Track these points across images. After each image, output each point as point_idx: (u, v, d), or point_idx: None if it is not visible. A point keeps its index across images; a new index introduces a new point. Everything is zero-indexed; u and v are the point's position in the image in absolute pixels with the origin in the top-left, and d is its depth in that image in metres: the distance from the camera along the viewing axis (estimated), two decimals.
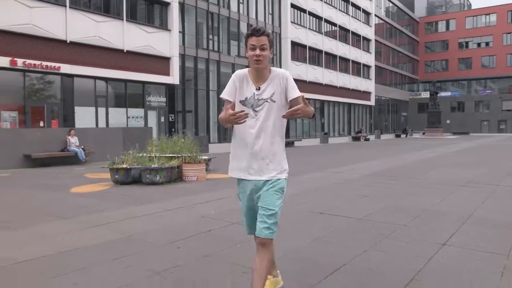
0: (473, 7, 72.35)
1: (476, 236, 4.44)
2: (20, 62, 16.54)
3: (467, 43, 63.89)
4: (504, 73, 59.52)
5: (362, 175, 10.10)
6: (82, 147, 13.79)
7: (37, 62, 17.19)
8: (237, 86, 2.57)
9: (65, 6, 18.15)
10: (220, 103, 27.82)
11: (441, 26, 66.84)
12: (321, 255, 3.78)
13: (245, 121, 2.39)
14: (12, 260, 3.65)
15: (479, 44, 62.74)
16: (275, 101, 2.55)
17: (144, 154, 9.03)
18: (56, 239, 4.38)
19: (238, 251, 3.88)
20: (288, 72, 2.66)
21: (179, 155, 8.77)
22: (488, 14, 62.31)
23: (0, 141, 12.33)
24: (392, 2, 56.59)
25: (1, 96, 16.55)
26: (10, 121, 17.03)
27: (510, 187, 8.03)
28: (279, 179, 2.54)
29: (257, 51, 2.47)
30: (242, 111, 2.36)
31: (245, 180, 2.58)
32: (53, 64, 17.71)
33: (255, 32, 2.51)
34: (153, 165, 8.01)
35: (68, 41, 18.32)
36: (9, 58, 16.28)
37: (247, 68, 2.63)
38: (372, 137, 41.02)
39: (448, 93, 62.36)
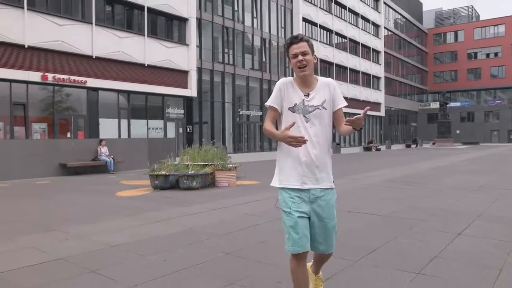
0: (481, 18, 72.85)
1: (487, 229, 5.15)
2: (50, 76, 17.52)
3: (475, 53, 64.43)
4: None
5: (379, 181, 10.81)
6: (112, 156, 14.64)
7: (66, 77, 18.17)
8: (284, 93, 2.54)
9: (91, 23, 19.19)
10: (235, 114, 28.72)
11: (450, 37, 67.50)
12: (358, 240, 4.51)
13: (301, 146, 2.39)
14: (107, 244, 4.45)
15: (488, 55, 63.24)
16: (326, 108, 2.57)
17: (176, 162, 9.84)
18: (130, 231, 5.18)
19: None
20: (335, 81, 2.71)
21: (210, 163, 9.56)
22: (497, 25, 62.88)
23: (38, 151, 13.24)
24: (401, 14, 57.48)
25: (32, 109, 17.53)
26: (40, 132, 17.98)
27: None
28: (332, 188, 2.58)
29: (300, 57, 2.48)
30: (302, 137, 2.35)
31: (299, 189, 2.49)
32: (80, 78, 18.68)
33: (294, 40, 2.53)
34: (190, 172, 8.81)
35: (94, 56, 19.31)
36: (41, 73, 17.27)
37: (290, 77, 2.62)
38: (383, 147, 41.57)
39: (458, 104, 62.76)
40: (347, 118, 2.47)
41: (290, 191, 2.49)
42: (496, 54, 62.55)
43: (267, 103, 2.57)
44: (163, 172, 8.92)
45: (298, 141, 2.32)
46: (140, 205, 7.10)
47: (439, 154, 26.38)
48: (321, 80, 2.61)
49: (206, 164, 9.46)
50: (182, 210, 6.58)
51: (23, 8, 16.66)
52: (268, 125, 2.53)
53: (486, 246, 4.32)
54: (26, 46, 16.76)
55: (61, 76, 17.96)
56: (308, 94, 2.53)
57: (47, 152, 13.33)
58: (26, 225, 5.68)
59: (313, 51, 2.54)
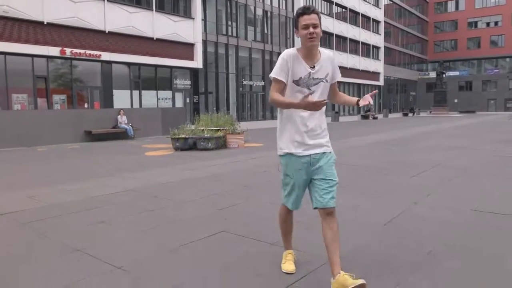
0: None
1: (439, 171, 6.81)
2: (68, 51, 18.91)
3: (476, 22, 64.80)
4: None
5: (367, 143, 12.46)
6: (131, 124, 16.25)
7: (82, 51, 19.55)
8: (290, 66, 2.57)
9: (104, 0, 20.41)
10: (238, 83, 30.12)
11: (451, 6, 67.66)
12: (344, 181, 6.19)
13: (320, 109, 2.51)
14: (159, 182, 6.17)
15: (488, 24, 63.66)
16: (328, 81, 2.67)
17: (192, 128, 11.47)
18: (171, 175, 6.86)
19: None
20: (333, 54, 2.80)
21: (222, 127, 11.18)
22: None
23: (67, 120, 14.85)
24: None
25: (53, 82, 19.04)
26: (60, 103, 19.54)
27: (480, 150, 10.32)
28: (331, 151, 2.73)
29: (311, 29, 2.51)
30: (324, 100, 2.49)
31: (301, 155, 2.62)
32: (95, 52, 20.06)
33: (306, 10, 2.54)
34: (206, 135, 10.45)
35: (107, 31, 20.61)
36: (59, 48, 18.66)
37: (295, 48, 2.64)
38: (380, 116, 43.05)
39: (456, 73, 63.73)
40: (368, 99, 2.71)
41: (292, 156, 2.63)
42: (496, 23, 62.96)
43: (273, 75, 2.60)
44: (183, 136, 10.56)
45: (320, 105, 2.44)
46: (169, 161, 8.78)
47: (432, 122, 27.98)
48: (324, 52, 2.68)
49: (218, 129, 11.08)
50: (203, 163, 8.26)
51: None
52: (277, 95, 2.58)
53: (427, 181, 5.98)
54: (45, 23, 18.08)
55: (78, 51, 19.33)
56: (314, 67, 2.60)
57: (74, 120, 14.92)
58: (90, 173, 7.37)
59: (320, 24, 2.60)
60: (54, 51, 18.48)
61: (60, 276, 2.81)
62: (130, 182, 6.31)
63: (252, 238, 3.58)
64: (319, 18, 2.57)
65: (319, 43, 2.61)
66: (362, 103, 2.72)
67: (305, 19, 2.53)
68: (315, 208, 2.61)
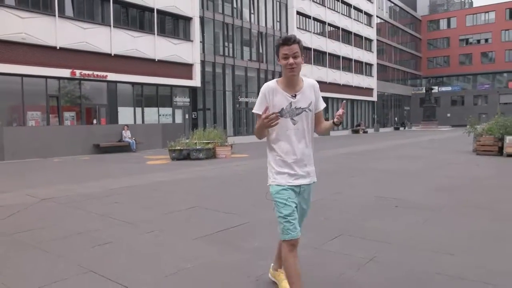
0: (474, 4, 75.33)
1: (375, 174, 8.65)
2: (78, 73, 20.93)
3: (467, 39, 67.15)
4: (502, 68, 62.83)
5: (339, 153, 14.33)
6: (134, 138, 18.18)
7: (90, 72, 21.56)
8: (269, 99, 2.58)
9: (110, 25, 22.51)
10: (235, 100, 32.14)
11: (443, 24, 70.11)
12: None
13: (277, 123, 2.49)
14: (157, 181, 8.04)
15: (478, 41, 65.99)
16: (311, 110, 2.66)
17: (187, 141, 13.37)
18: (166, 177, 8.73)
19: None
20: (317, 83, 2.80)
21: (212, 141, 13.08)
22: (487, 12, 65.43)
23: (78, 134, 16.82)
24: (394, 3, 60.18)
25: (63, 100, 21.04)
26: (70, 119, 21.48)
27: (429, 158, 12.15)
28: (315, 181, 2.78)
29: (291, 60, 2.51)
30: (273, 113, 2.45)
31: (290, 185, 2.63)
32: (101, 73, 22.07)
33: (286, 41, 2.54)
34: (198, 147, 12.37)
35: (113, 54, 22.67)
36: (70, 70, 20.68)
37: (274, 80, 2.66)
38: (371, 130, 44.91)
39: (449, 88, 65.86)
40: (338, 113, 2.63)
41: (282, 187, 2.62)
42: (486, 40, 65.26)
43: (254, 111, 2.62)
44: (179, 147, 12.47)
45: (271, 119, 2.43)
46: (166, 167, 10.69)
47: (415, 135, 29.89)
48: (306, 81, 2.68)
49: (209, 142, 12.98)
50: (194, 169, 10.18)
51: (54, 15, 19.96)
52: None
53: (360, 179, 7.83)
54: (58, 48, 20.14)
55: (86, 72, 21.36)
56: (295, 95, 2.58)
57: (84, 135, 16.87)
58: (105, 175, 9.27)
59: (302, 53, 2.59)
60: (65, 72, 20.48)
61: (93, 225, 4.69)
62: (135, 181, 8.21)
63: (222, 211, 5.45)
64: (301, 48, 2.59)
65: (300, 72, 2.64)
66: (336, 120, 2.66)
67: (285, 49, 2.53)
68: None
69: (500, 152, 12.66)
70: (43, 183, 8.19)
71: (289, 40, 2.54)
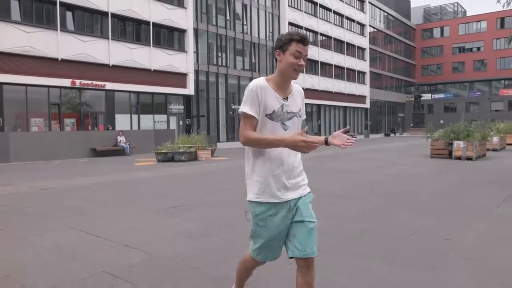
0: (468, 13, 77.09)
1: (331, 172, 10.20)
2: (78, 82, 22.60)
3: (460, 48, 68.79)
4: (493, 76, 64.40)
5: (310, 156, 15.86)
6: (128, 143, 19.79)
7: (89, 82, 23.23)
8: (261, 98, 2.24)
9: (108, 38, 24.21)
10: (228, 107, 33.74)
11: (436, 33, 71.82)
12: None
13: (309, 152, 2.20)
14: (142, 178, 9.63)
15: (471, 49, 67.61)
16: (300, 117, 2.40)
17: (172, 145, 14.97)
18: (151, 175, 10.32)
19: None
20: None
21: (195, 145, 14.68)
22: (479, 21, 67.08)
23: (76, 139, 18.45)
24: (388, 13, 61.89)
25: (64, 107, 22.71)
26: (70, 125, 23.15)
27: (389, 161, 13.67)
28: (309, 191, 2.44)
29: (302, 61, 2.25)
30: (316, 142, 2.17)
31: (280, 202, 2.27)
32: (100, 82, 23.74)
33: (303, 40, 2.26)
34: (181, 150, 13.97)
35: (111, 65, 24.34)
36: (70, 80, 22.35)
37: (263, 78, 2.32)
38: (361, 137, 46.40)
39: (441, 95, 67.45)
40: (343, 130, 2.32)
41: (266, 204, 2.27)
42: (478, 49, 66.87)
43: (243, 110, 2.23)
44: (164, 150, 14.08)
45: (310, 147, 2.16)
46: (151, 168, 12.32)
47: (397, 141, 31.52)
48: (294, 86, 2.42)
49: (192, 146, 14.58)
50: (175, 168, 11.80)
51: (56, 30, 21.67)
52: (252, 134, 2.23)
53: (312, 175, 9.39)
54: (59, 59, 21.84)
55: (86, 81, 23.03)
56: (287, 98, 2.31)
57: (82, 140, 18.51)
58: (97, 173, 10.85)
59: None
60: (66, 82, 22.15)
61: (78, 204, 6.27)
62: (122, 177, 9.81)
63: (177, 196, 7.03)
64: None
65: None
66: (335, 142, 2.27)
67: (300, 47, 2.24)
68: (291, 258, 2.31)
69: (450, 155, 14.21)
70: (43, 178, 9.80)
71: (306, 39, 2.27)
